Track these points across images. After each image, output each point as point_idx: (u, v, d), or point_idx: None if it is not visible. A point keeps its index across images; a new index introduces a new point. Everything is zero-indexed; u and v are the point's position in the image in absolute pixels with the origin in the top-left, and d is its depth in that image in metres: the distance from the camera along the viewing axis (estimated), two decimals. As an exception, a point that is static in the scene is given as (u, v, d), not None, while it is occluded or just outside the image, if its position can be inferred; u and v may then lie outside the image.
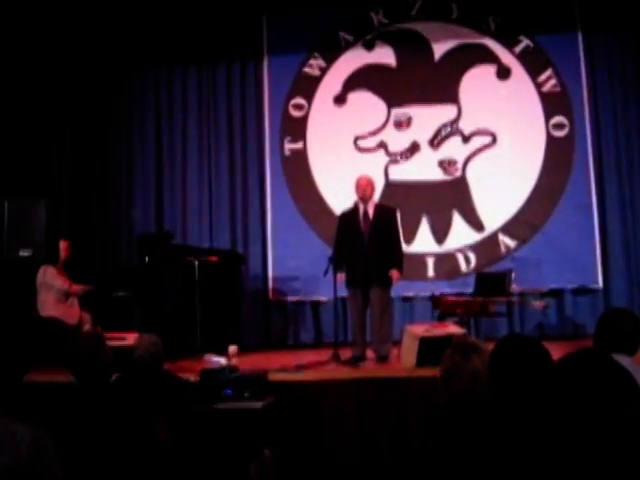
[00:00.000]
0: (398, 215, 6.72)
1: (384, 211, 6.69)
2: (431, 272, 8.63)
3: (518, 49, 8.77)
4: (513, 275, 7.66)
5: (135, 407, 3.21)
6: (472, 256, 8.58)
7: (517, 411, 2.19)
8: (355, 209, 6.67)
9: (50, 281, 7.11)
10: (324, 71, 9.11)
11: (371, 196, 6.66)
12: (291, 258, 8.79)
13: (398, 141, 8.86)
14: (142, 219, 9.18)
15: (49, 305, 7.08)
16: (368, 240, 6.53)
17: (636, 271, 8.39)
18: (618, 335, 3.13)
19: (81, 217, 9.07)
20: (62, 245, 7.38)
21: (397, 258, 6.59)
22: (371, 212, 6.61)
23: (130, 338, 5.59)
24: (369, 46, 9.05)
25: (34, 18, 8.40)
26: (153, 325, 6.90)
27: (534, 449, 1.93)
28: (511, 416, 2.19)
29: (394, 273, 6.49)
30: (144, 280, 7.68)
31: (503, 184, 8.58)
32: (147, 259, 7.82)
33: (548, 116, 8.65)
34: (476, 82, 8.79)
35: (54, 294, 7.10)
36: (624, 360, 2.47)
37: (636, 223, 8.44)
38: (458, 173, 8.74)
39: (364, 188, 6.62)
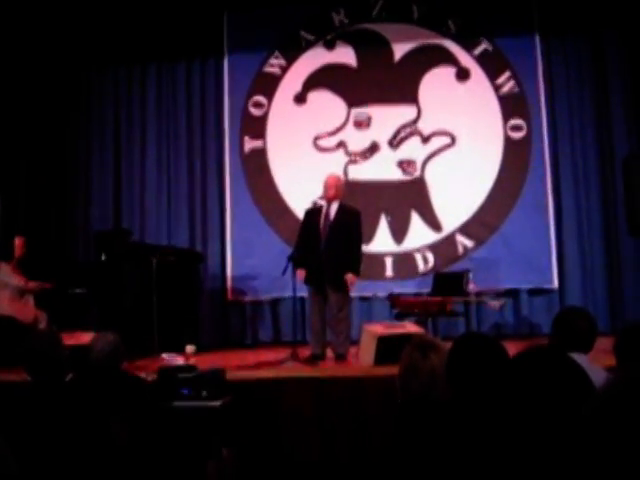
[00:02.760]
0: (361, 218, 6.73)
1: (346, 213, 6.65)
2: (389, 272, 8.66)
3: (477, 51, 8.85)
4: (470, 275, 7.74)
5: (91, 406, 3.17)
6: (430, 256, 8.64)
7: (475, 408, 2.21)
8: (320, 207, 6.67)
9: (5, 278, 6.99)
10: (284, 70, 9.10)
11: (335, 197, 6.62)
12: (250, 257, 8.76)
13: (358, 141, 8.89)
14: (99, 216, 9.09)
15: (3, 303, 6.95)
16: (325, 241, 6.53)
17: (591, 271, 8.52)
18: (574, 334, 3.19)
19: (37, 214, 8.94)
20: (17, 242, 7.25)
21: (354, 261, 6.58)
22: (333, 212, 6.61)
23: (87, 337, 5.52)
24: (330, 46, 9.06)
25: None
26: (110, 323, 6.83)
27: (491, 446, 1.96)
28: (469, 413, 2.21)
29: (349, 277, 6.50)
30: (101, 278, 7.59)
31: (461, 185, 8.64)
32: (104, 256, 7.74)
33: (506, 118, 8.74)
34: (435, 83, 8.85)
35: (9, 292, 6.98)
36: (580, 358, 2.52)
37: (591, 224, 8.57)
38: (417, 173, 8.79)
39: (328, 188, 6.61)
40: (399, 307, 7.66)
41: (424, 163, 8.79)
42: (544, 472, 1.67)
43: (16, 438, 2.38)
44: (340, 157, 8.86)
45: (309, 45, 9.09)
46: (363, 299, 8.60)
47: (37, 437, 2.87)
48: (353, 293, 7.01)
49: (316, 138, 8.92)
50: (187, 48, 9.17)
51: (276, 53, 9.10)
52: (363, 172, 8.82)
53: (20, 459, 2.19)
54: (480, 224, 8.62)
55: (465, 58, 8.86)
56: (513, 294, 8.53)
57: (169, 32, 9.05)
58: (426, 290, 7.95)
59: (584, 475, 1.34)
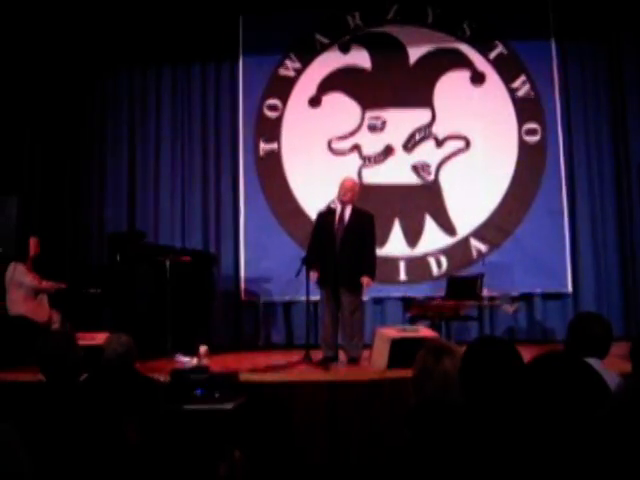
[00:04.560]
0: (374, 222, 6.74)
1: (360, 216, 6.67)
2: (403, 275, 8.64)
3: (492, 55, 8.83)
4: (484, 279, 7.71)
5: (104, 406, 3.18)
6: (444, 260, 8.61)
7: (489, 413, 2.20)
8: (333, 210, 6.67)
9: (20, 278, 7.01)
10: (299, 73, 9.10)
11: (351, 200, 6.64)
12: (263, 259, 8.75)
13: (372, 144, 8.87)
14: (114, 218, 9.11)
15: (18, 303, 6.99)
16: (340, 243, 6.54)
17: (605, 276, 8.48)
18: (589, 339, 3.17)
19: (52, 214, 8.98)
20: (32, 242, 7.28)
21: (369, 264, 6.59)
22: (347, 215, 6.61)
23: (101, 337, 5.54)
24: (345, 49, 9.05)
25: (10, 17, 8.30)
26: (123, 324, 6.85)
27: (506, 451, 1.94)
28: (483, 418, 2.20)
29: (365, 279, 6.51)
30: (115, 279, 7.62)
31: (475, 189, 8.62)
32: (118, 257, 7.76)
33: (521, 122, 8.71)
34: (450, 87, 8.82)
35: (23, 291, 7.01)
36: (595, 363, 2.50)
37: (605, 229, 8.54)
38: (431, 177, 8.77)
39: (346, 191, 6.62)
40: (413, 311, 7.66)
41: (438, 167, 8.76)
42: (559, 476, 1.66)
43: (30, 438, 2.38)
44: (354, 160, 8.85)
45: (324, 48, 9.08)
46: (377, 302, 8.58)
47: (50, 437, 2.88)
48: (366, 296, 7.01)
49: (330, 141, 8.91)
50: (202, 50, 9.18)
51: (291, 56, 9.10)
52: (377, 176, 8.80)
53: (33, 458, 2.19)
54: (494, 228, 8.59)
55: (480, 62, 8.84)
56: (527, 298, 8.50)
57: (184, 34, 9.05)
58: (440, 294, 7.94)
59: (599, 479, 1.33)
